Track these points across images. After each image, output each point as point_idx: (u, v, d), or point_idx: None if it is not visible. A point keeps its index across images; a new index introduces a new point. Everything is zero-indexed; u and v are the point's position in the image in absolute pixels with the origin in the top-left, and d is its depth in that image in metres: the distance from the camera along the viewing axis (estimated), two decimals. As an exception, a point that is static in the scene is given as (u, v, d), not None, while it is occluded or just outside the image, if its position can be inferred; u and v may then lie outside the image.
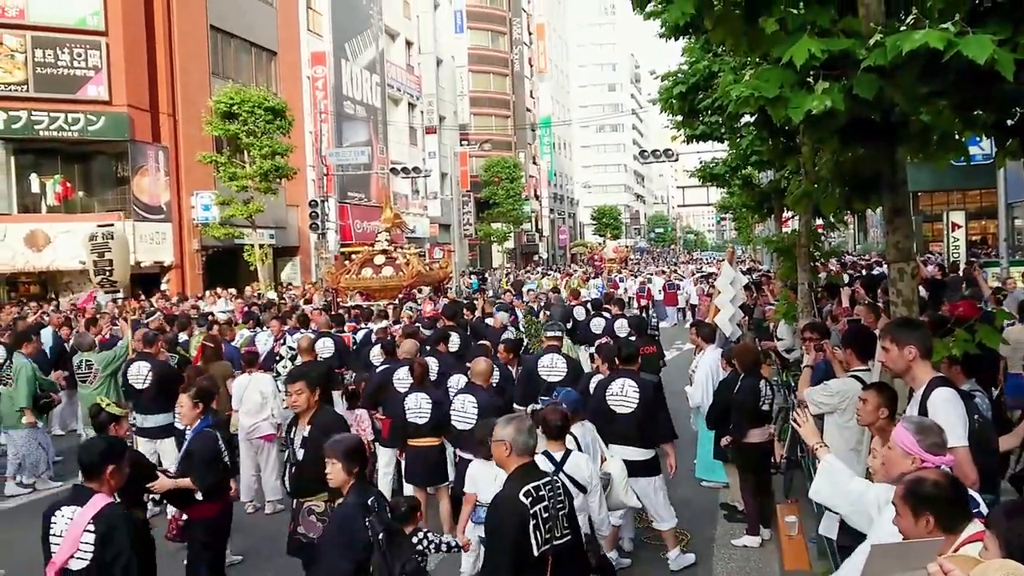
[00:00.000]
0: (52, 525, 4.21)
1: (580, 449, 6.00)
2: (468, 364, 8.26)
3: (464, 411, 7.24)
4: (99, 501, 4.18)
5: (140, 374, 9.20)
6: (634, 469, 6.88)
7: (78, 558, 4.10)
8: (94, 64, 24.59)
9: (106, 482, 4.28)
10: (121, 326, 11.89)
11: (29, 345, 10.69)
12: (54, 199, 25.31)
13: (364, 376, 9.81)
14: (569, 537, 4.30)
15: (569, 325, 13.63)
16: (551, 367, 8.67)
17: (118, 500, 4.42)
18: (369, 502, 4.15)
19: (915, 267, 5.50)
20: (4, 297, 23.49)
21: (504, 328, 12.85)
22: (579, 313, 14.86)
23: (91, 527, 4.10)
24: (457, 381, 8.33)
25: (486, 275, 40.93)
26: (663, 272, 33.72)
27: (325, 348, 11.27)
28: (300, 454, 5.79)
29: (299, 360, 10.11)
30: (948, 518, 2.91)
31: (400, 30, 45.94)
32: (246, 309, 17.94)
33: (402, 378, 8.50)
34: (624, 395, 7.04)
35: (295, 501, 5.88)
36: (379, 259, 18.18)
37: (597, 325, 14.04)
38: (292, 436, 5.98)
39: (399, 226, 22.21)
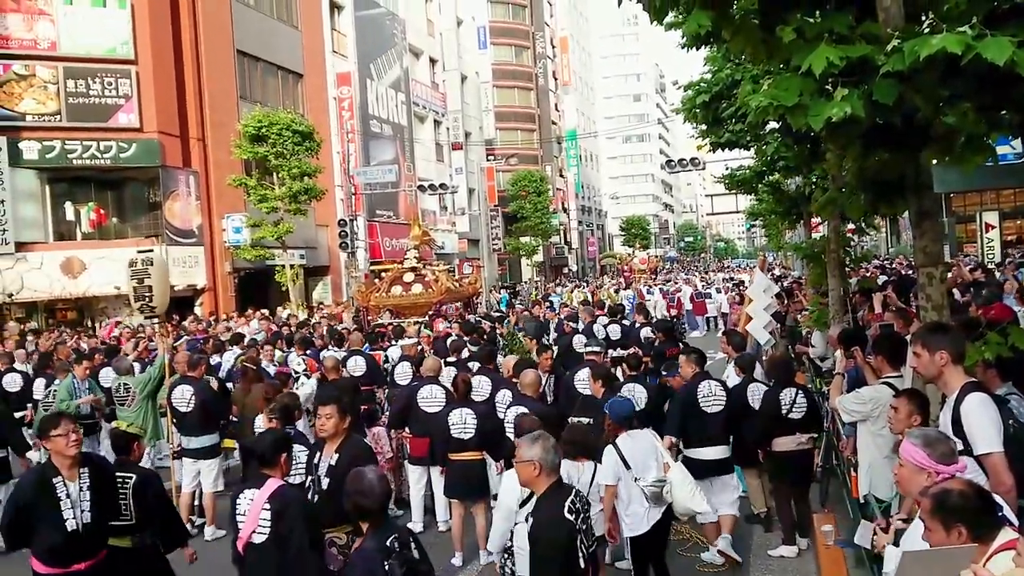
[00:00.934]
0: (237, 506, 4.91)
1: (625, 461, 6.07)
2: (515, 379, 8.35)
3: None
4: (272, 484, 4.87)
5: (184, 397, 9.34)
6: (720, 467, 7.41)
7: (259, 532, 4.76)
8: (124, 92, 25.02)
9: (279, 468, 5.01)
10: (159, 346, 12.00)
11: (79, 367, 10.83)
12: (88, 226, 25.76)
13: (392, 394, 9.86)
14: (596, 541, 4.38)
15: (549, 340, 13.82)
16: (587, 381, 8.76)
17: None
18: (388, 542, 3.97)
19: (944, 271, 5.44)
20: (42, 324, 23.88)
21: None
22: (598, 328, 14.85)
23: (267, 506, 4.76)
24: (503, 396, 8.39)
25: (518, 289, 40.98)
26: (689, 281, 33.56)
27: (357, 367, 11.32)
28: (324, 483, 5.59)
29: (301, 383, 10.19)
30: (980, 527, 2.87)
31: (424, 48, 46.26)
32: (274, 329, 18.10)
33: (426, 396, 8.51)
34: (714, 395, 7.57)
35: None
36: (408, 276, 18.21)
37: (614, 332, 14.42)
38: (316, 462, 5.74)
39: (427, 243, 22.30)
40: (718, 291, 29.90)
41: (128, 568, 5.57)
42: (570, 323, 15.78)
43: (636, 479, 6.08)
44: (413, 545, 4.06)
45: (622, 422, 6.30)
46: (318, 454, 5.80)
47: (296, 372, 11.41)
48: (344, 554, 5.48)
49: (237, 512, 4.91)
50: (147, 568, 5.60)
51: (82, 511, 5.23)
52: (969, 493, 2.94)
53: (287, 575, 4.71)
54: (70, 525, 5.17)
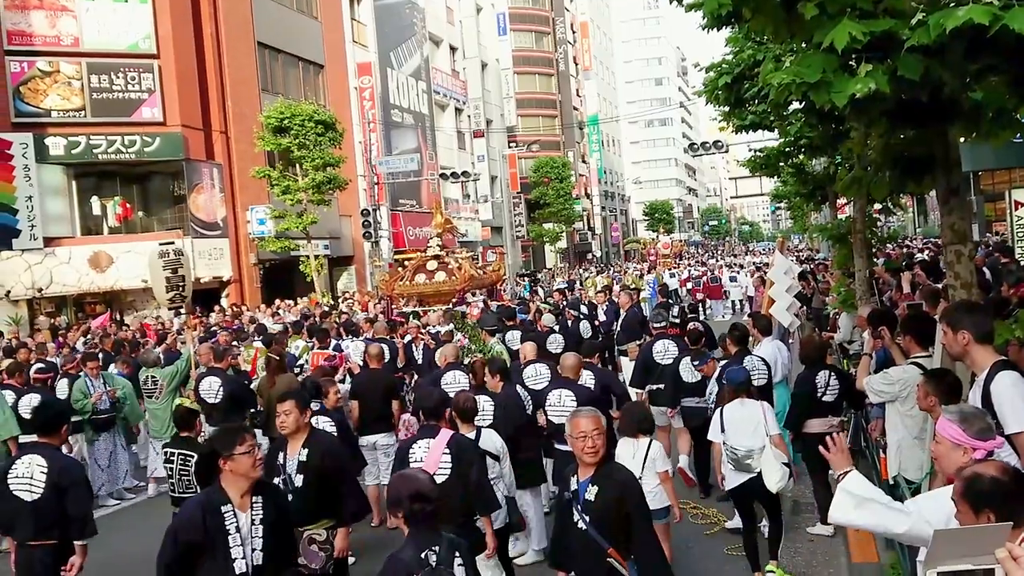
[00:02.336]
0: (411, 455, 5.51)
1: (723, 426, 6.51)
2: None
3: (562, 405, 7.29)
4: (446, 433, 5.61)
5: (212, 389, 9.44)
6: None
7: (439, 474, 5.20)
8: (148, 87, 25.18)
9: (444, 419, 5.82)
10: (188, 339, 12.08)
11: (88, 365, 10.84)
12: (115, 220, 25.99)
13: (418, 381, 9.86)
14: None
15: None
16: (664, 351, 9.58)
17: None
18: (424, 554, 3.67)
19: (972, 249, 5.35)
20: (72, 318, 24.16)
21: (551, 331, 12.89)
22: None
23: (447, 451, 5.42)
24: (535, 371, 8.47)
25: (538, 276, 40.86)
26: (706, 264, 33.52)
27: (379, 355, 11.29)
28: (298, 480, 5.42)
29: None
30: (1011, 513, 2.77)
31: (444, 36, 46.18)
32: (290, 320, 18.19)
33: (449, 383, 8.49)
34: (757, 370, 7.75)
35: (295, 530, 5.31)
36: (431, 265, 18.16)
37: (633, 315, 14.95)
38: (282, 462, 5.52)
39: (450, 231, 22.21)
40: (740, 273, 29.83)
41: None
42: (572, 311, 15.72)
43: (724, 442, 6.51)
44: (459, 562, 3.76)
45: (739, 388, 6.60)
46: (281, 454, 5.58)
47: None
48: (324, 550, 5.38)
49: (411, 459, 5.44)
50: None
51: (253, 550, 4.26)
52: (1002, 479, 2.83)
53: (470, 504, 5.43)
54: (239, 567, 4.20)
